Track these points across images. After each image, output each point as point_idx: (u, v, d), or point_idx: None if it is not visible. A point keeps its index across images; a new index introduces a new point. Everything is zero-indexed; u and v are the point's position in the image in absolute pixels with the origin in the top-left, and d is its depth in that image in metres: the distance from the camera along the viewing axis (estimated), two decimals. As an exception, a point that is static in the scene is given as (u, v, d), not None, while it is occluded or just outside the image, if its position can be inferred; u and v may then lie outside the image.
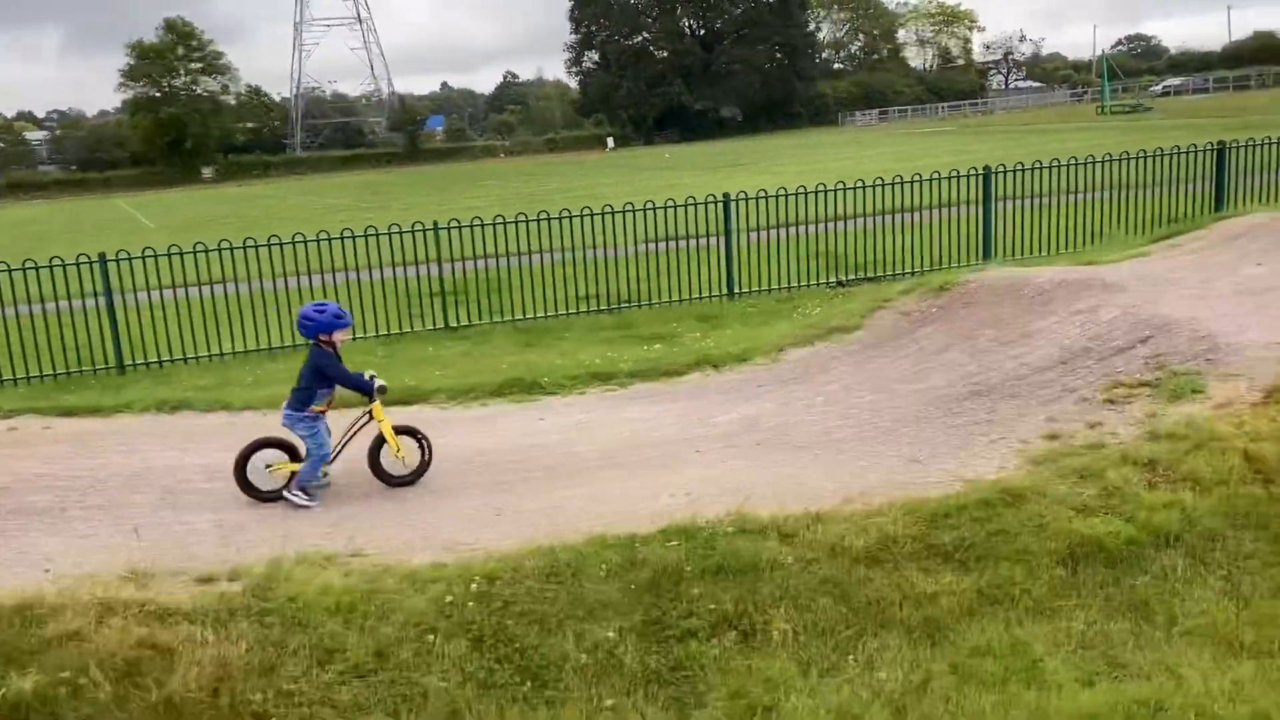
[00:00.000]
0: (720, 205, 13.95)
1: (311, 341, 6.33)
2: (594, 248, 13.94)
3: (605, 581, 4.93)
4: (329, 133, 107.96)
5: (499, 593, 4.84)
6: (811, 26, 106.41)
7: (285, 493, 6.23)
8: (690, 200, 13.98)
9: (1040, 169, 14.57)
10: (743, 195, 14.01)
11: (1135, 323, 7.43)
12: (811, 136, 75.44)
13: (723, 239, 14.06)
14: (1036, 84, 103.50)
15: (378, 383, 6.34)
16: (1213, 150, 15.06)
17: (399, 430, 6.46)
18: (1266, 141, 14.84)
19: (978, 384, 7.36)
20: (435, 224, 13.25)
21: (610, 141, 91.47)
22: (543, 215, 13.56)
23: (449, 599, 4.75)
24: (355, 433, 6.50)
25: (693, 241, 14.33)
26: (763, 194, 13.90)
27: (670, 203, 13.79)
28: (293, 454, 6.34)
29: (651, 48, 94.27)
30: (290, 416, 6.27)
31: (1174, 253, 9.61)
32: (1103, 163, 14.58)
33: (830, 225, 14.67)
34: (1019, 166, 14.70)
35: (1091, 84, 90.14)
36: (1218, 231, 9.79)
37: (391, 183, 59.26)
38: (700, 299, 13.82)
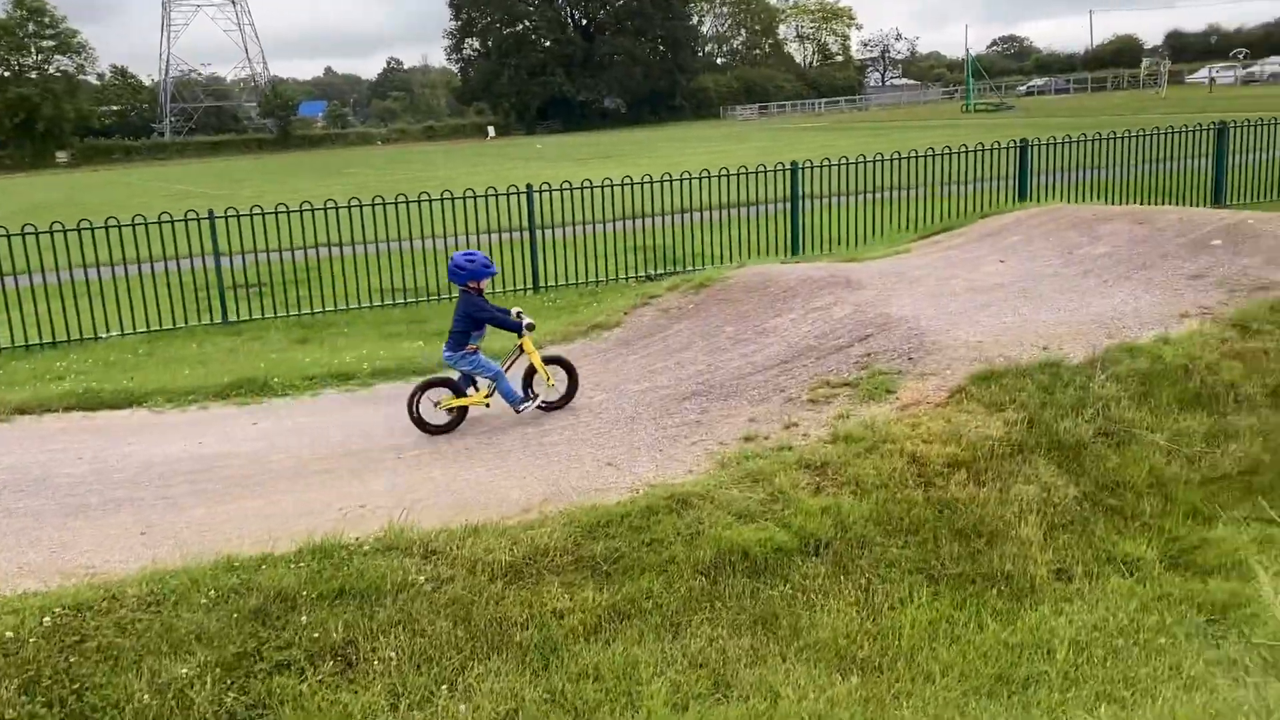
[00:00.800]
0: (524, 197, 13.58)
1: (461, 289, 6.80)
2: (395, 240, 13.45)
3: (208, 610, 4.49)
4: (201, 117, 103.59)
5: (79, 625, 4.36)
6: (694, 20, 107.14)
7: (516, 411, 6.92)
8: (491, 191, 13.58)
9: (847, 165, 14.65)
10: (546, 187, 13.67)
11: (861, 321, 7.35)
12: (691, 129, 75.70)
13: (531, 232, 13.75)
14: (912, 82, 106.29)
15: (525, 320, 6.90)
16: (1016, 148, 15.43)
17: (548, 360, 7.08)
18: (1066, 140, 15.27)
19: (702, 383, 7.16)
20: (211, 212, 12.52)
21: (490, 130, 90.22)
22: (330, 204, 12.94)
23: (10, 634, 4.25)
24: (510, 366, 7.13)
25: (504, 235, 13.95)
26: (567, 186, 13.59)
27: (469, 193, 13.36)
28: (455, 390, 6.86)
29: (533, 36, 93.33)
30: (451, 356, 6.81)
31: (933, 249, 9.65)
32: (908, 159, 14.78)
33: (652, 220, 14.48)
34: (826, 162, 14.77)
35: (963, 83, 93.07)
36: (979, 228, 9.88)
37: (255, 169, 57.06)
38: (503, 292, 13.44)
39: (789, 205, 14.72)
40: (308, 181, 41.17)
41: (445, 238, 13.45)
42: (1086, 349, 6.27)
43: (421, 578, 4.73)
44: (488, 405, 6.95)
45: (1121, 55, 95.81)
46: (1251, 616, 4.19)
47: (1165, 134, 15.88)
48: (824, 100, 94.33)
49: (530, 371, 6.99)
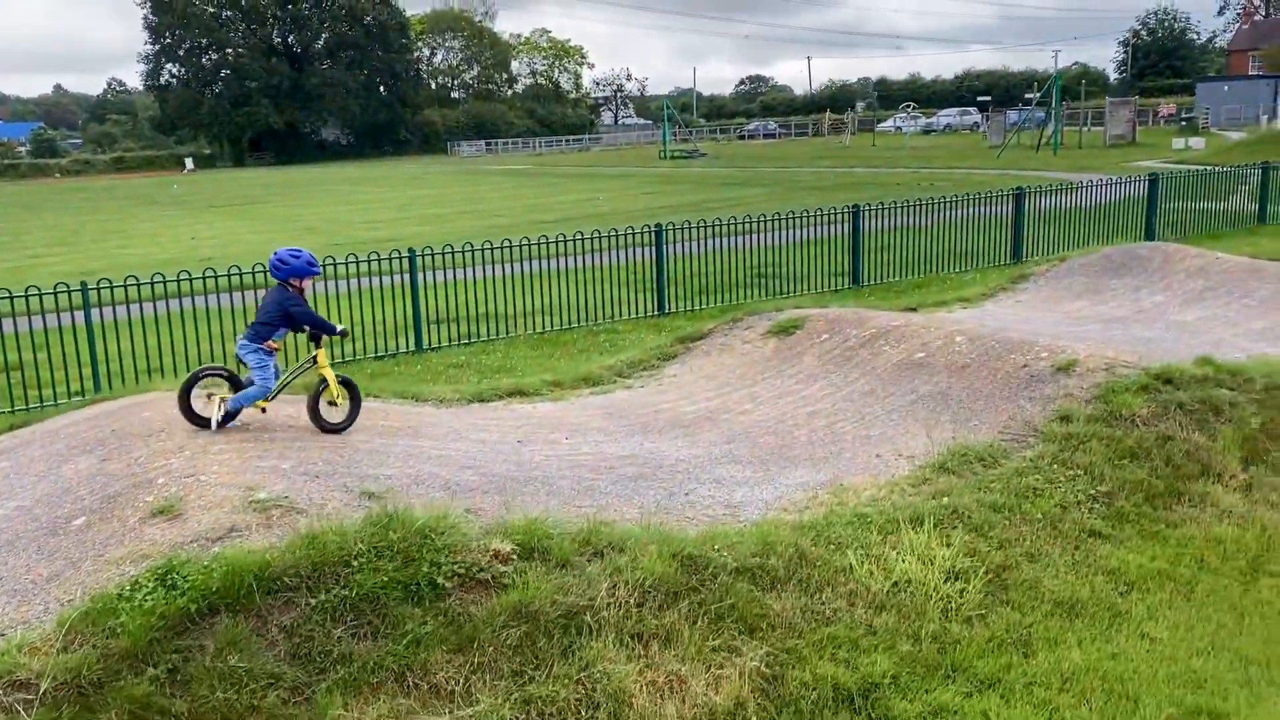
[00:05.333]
0: None
1: (280, 283, 6.33)
2: None
3: None
4: None
5: None
6: (426, 52, 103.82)
7: (221, 417, 6.07)
8: None
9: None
10: None
11: None
12: (399, 167, 72.25)
13: None
14: (644, 121, 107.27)
15: (340, 326, 6.51)
16: (404, 257, 13.11)
17: (339, 381, 6.48)
18: (464, 247, 13.16)
19: None
20: None
21: (189, 162, 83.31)
22: None
23: None
24: (296, 375, 6.60)
25: None
26: None
27: None
28: (233, 382, 6.31)
29: (236, 63, 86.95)
30: (245, 346, 6.25)
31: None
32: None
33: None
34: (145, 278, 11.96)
35: (694, 124, 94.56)
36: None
37: None
38: None
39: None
40: None
41: None
42: None
43: None
44: (264, 410, 6.33)
45: (836, 100, 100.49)
46: None
47: (607, 235, 14.17)
48: (554, 139, 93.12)
49: (320, 387, 6.38)
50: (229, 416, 6.11)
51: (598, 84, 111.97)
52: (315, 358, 6.42)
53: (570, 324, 13.55)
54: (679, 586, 4.81)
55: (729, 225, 14.70)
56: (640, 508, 6.00)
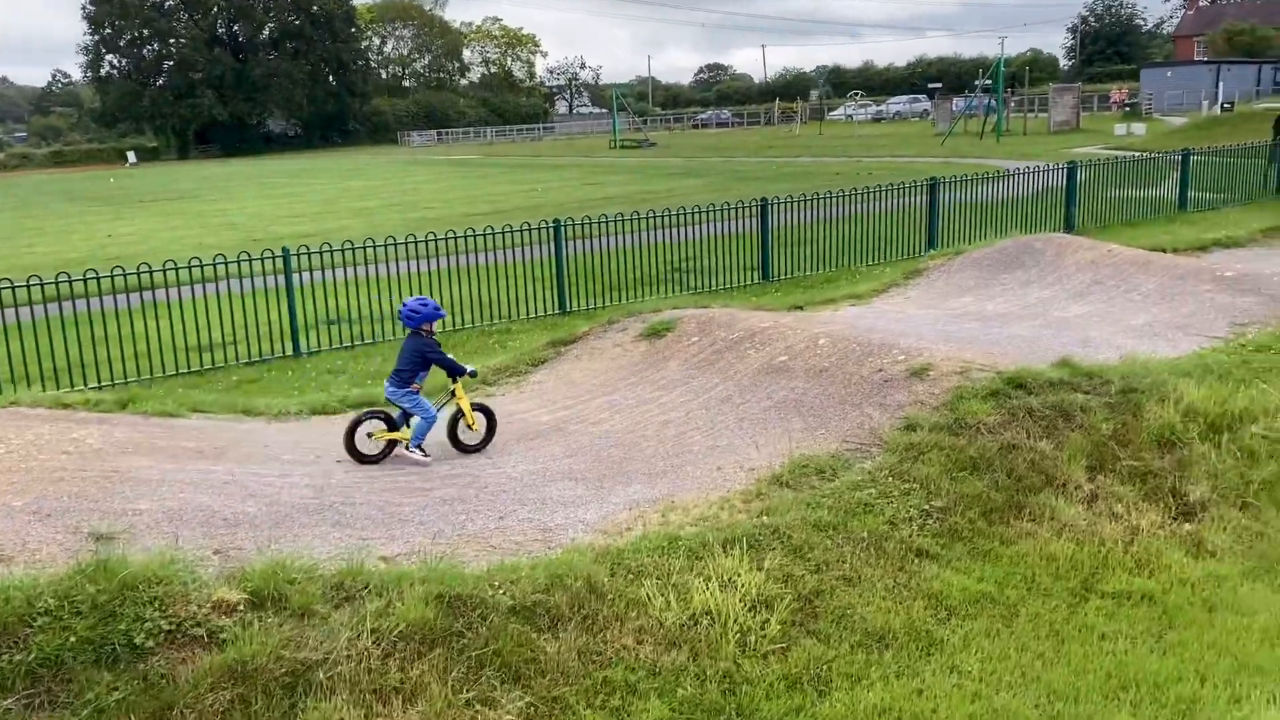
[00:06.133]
0: None
1: (412, 330, 7.03)
2: None
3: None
4: None
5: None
6: (376, 41, 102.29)
7: (404, 449, 6.90)
8: None
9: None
10: None
11: None
12: (341, 158, 70.86)
13: None
14: (599, 110, 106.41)
15: (470, 367, 7.33)
16: (280, 257, 12.64)
17: (474, 407, 7.21)
18: (331, 251, 12.57)
19: None
20: None
21: (131, 156, 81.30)
22: None
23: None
24: (441, 407, 7.21)
25: None
26: None
27: None
28: (390, 423, 6.92)
29: (179, 54, 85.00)
30: (394, 393, 6.96)
31: None
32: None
33: None
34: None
35: (647, 113, 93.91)
36: None
37: None
38: None
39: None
40: None
41: None
42: None
43: None
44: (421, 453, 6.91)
45: (791, 88, 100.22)
46: None
47: (502, 232, 13.66)
48: (506, 128, 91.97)
49: (457, 415, 7.14)
50: (422, 450, 6.89)
51: (552, 72, 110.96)
52: (454, 391, 7.14)
53: (464, 324, 13.05)
54: (437, 633, 4.38)
55: (631, 221, 14.24)
56: (439, 537, 5.57)
